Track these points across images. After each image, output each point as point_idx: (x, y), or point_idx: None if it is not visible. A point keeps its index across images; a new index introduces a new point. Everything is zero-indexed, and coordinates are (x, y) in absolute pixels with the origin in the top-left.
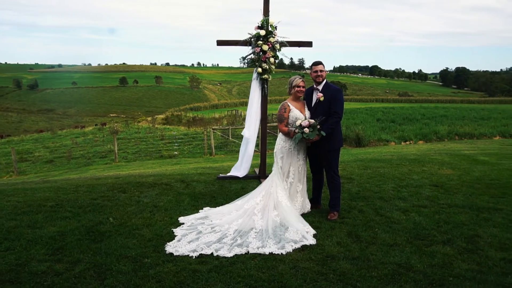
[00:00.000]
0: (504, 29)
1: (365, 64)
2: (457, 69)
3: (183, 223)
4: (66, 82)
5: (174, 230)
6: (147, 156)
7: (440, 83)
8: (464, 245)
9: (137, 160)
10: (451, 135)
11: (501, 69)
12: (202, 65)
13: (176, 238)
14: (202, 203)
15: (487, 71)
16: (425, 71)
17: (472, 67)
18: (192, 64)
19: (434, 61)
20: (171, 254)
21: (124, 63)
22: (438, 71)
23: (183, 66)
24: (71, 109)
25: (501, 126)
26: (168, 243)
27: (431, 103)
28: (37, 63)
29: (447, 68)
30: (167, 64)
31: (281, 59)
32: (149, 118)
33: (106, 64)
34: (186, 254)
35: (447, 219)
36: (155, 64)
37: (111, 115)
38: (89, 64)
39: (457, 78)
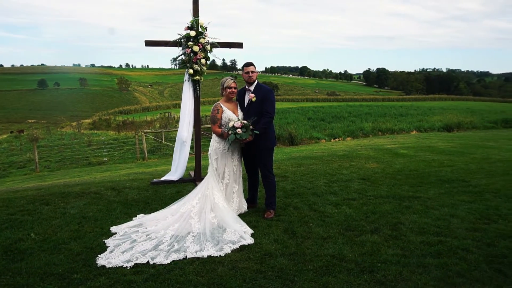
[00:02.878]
0: (417, 33)
1: (295, 65)
2: (378, 69)
3: (115, 233)
4: None
5: (105, 241)
6: (73, 164)
7: (364, 83)
8: (389, 233)
9: (61, 169)
10: (375, 131)
11: (415, 70)
12: (131, 66)
13: (108, 249)
14: (135, 210)
15: (403, 71)
16: (350, 71)
17: (391, 67)
18: (120, 65)
19: (358, 62)
20: (103, 266)
21: (42, 64)
22: (361, 71)
23: (110, 67)
24: None
25: (417, 121)
26: (99, 255)
27: (357, 101)
28: None
29: (369, 68)
30: (93, 65)
31: (213, 60)
32: (74, 123)
33: (22, 65)
34: (120, 265)
35: (374, 210)
36: (79, 65)
37: (30, 121)
38: (1, 65)
39: (378, 78)
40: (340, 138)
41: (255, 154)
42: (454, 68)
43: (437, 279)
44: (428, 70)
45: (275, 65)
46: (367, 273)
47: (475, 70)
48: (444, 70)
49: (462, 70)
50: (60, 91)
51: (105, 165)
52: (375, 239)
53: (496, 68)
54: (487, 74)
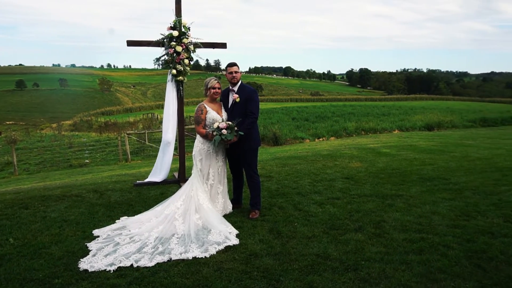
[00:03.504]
0: (398, 34)
1: (279, 65)
2: (361, 70)
3: (98, 236)
4: None
5: (88, 244)
6: (54, 167)
7: (347, 83)
8: (373, 231)
9: (41, 172)
10: (358, 130)
11: (396, 70)
12: (113, 67)
13: (91, 253)
14: (118, 212)
15: (385, 71)
16: (333, 72)
17: (373, 68)
18: (102, 66)
19: (341, 62)
20: (86, 270)
21: (21, 64)
22: (344, 72)
23: (91, 67)
24: None
25: (399, 121)
26: (81, 259)
27: (340, 101)
28: None
29: (352, 69)
30: (73, 65)
31: (197, 60)
32: (54, 125)
33: None
34: (103, 269)
35: (358, 208)
36: (59, 65)
37: (7, 122)
38: None
39: (361, 78)
40: (324, 138)
41: (239, 155)
42: (434, 68)
43: (419, 275)
44: (409, 71)
45: (259, 65)
46: (351, 271)
47: (454, 71)
48: (425, 71)
49: (442, 70)
50: (39, 91)
51: (87, 167)
52: (359, 238)
53: (474, 68)
54: (465, 74)
